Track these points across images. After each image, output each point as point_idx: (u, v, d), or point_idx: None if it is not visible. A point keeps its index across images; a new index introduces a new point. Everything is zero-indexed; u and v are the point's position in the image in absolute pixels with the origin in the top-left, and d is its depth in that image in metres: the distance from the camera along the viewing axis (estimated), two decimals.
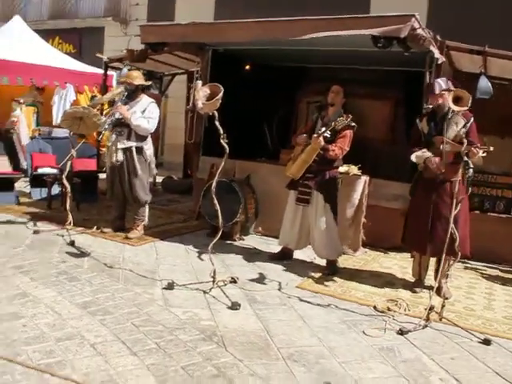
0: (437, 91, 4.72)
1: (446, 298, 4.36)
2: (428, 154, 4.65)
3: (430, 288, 4.66)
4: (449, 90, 4.65)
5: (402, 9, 5.72)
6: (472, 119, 4.66)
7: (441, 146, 4.54)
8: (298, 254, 5.73)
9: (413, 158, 4.72)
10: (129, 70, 8.28)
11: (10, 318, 3.58)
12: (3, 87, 9.68)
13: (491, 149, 4.25)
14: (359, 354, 3.47)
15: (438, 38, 5.92)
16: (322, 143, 5.02)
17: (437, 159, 4.58)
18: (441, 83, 4.77)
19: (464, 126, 4.63)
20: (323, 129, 5.07)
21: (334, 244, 5.33)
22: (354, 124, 5.13)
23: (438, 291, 4.59)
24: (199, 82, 4.59)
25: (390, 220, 6.05)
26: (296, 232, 5.48)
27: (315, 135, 5.07)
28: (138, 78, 6.02)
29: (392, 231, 6.11)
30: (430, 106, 4.87)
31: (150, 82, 7.22)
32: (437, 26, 6.77)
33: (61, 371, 2.93)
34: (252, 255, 5.78)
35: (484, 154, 4.32)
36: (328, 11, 5.92)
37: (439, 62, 5.88)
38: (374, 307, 4.36)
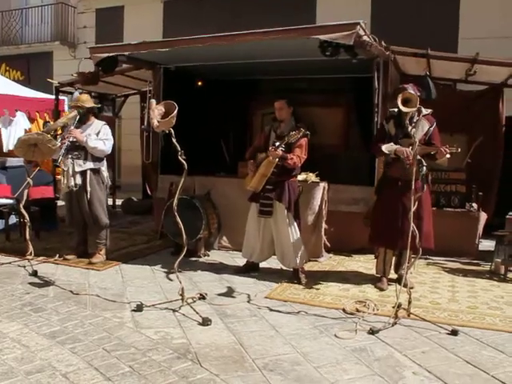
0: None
1: (411, 288, 4.52)
2: (396, 146, 4.82)
3: (396, 281, 4.80)
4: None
5: (347, 16, 5.89)
6: (435, 123, 4.89)
7: (409, 148, 4.67)
8: (263, 264, 5.76)
9: (383, 149, 4.87)
10: (80, 93, 8.20)
11: None
12: None
13: (459, 150, 4.48)
14: (333, 357, 3.51)
15: (383, 43, 6.11)
16: (280, 153, 5.09)
17: (407, 149, 4.71)
18: (408, 88, 4.92)
19: (428, 129, 4.84)
20: (277, 143, 5.14)
21: (300, 252, 5.38)
22: (307, 132, 5.22)
23: (400, 281, 4.77)
24: (153, 101, 4.58)
25: (351, 224, 6.17)
26: (259, 244, 5.52)
27: (271, 148, 5.13)
28: (88, 101, 6.00)
29: (354, 235, 6.25)
30: (396, 110, 5.01)
31: (99, 105, 7.20)
32: (381, 32, 6.99)
33: None
34: (218, 270, 5.78)
35: (448, 156, 4.52)
36: (273, 20, 6.05)
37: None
38: (344, 310, 4.43)
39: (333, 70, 7.16)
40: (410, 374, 3.28)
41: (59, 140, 5.89)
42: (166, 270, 5.65)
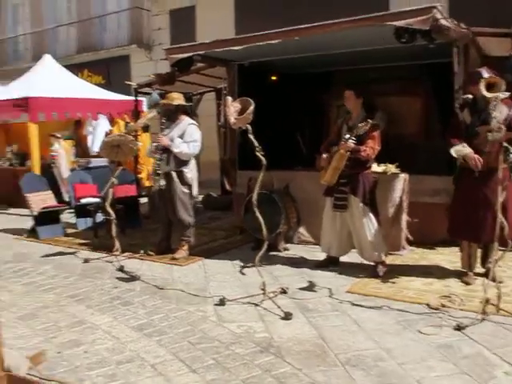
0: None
1: (501, 282, 4.32)
2: (468, 149, 4.61)
3: (483, 275, 4.60)
4: None
5: (423, 1, 5.68)
6: None
7: (488, 135, 4.46)
8: (344, 258, 5.70)
9: (452, 152, 4.67)
10: (158, 94, 8.45)
11: (71, 346, 3.69)
12: (41, 124, 10.00)
13: None
14: (418, 354, 3.43)
15: (462, 25, 5.85)
16: (351, 146, 5.02)
17: (476, 156, 4.53)
18: (482, 73, 4.70)
19: (507, 114, 4.58)
20: (347, 136, 5.06)
21: (379, 245, 5.29)
22: (375, 123, 5.10)
23: (488, 275, 4.48)
24: (229, 98, 4.63)
25: (433, 215, 5.97)
26: (336, 238, 5.47)
27: (342, 142, 5.06)
28: (177, 99, 6.07)
29: (437, 226, 6.03)
30: (470, 96, 4.80)
31: (190, 103, 7.25)
32: (460, 13, 6.71)
33: None
34: (298, 264, 5.79)
35: None
36: (344, 9, 5.93)
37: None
38: (428, 305, 4.30)
39: (409, 56, 6.95)
40: (500, 373, 3.14)
41: (152, 146, 6.07)
42: (247, 265, 5.72)
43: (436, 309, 4.22)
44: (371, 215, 5.26)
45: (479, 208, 4.66)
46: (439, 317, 4.04)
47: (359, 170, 5.23)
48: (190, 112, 9.79)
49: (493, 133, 4.38)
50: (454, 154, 4.69)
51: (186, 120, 6.13)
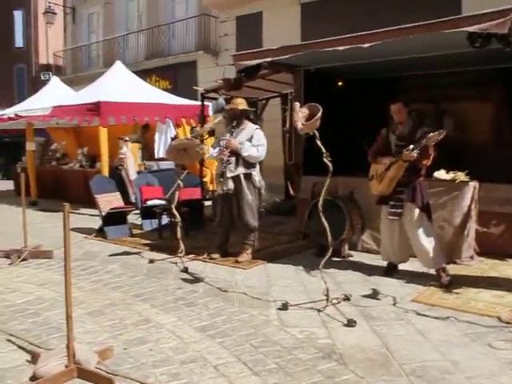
0: None
1: None
2: None
3: None
4: None
5: (497, 2, 5.48)
6: None
7: None
8: (407, 267, 5.58)
9: None
10: (224, 99, 8.56)
11: (137, 343, 3.79)
12: (110, 127, 10.36)
13: None
14: (487, 368, 3.30)
15: None
16: (415, 156, 4.94)
17: None
18: None
19: None
20: (411, 146, 4.95)
21: (436, 252, 5.19)
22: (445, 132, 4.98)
23: None
24: (297, 104, 4.64)
25: (505, 225, 5.75)
26: (396, 246, 5.42)
27: (406, 152, 4.95)
28: (241, 104, 6.17)
29: (509, 237, 5.80)
30: None
31: (253, 108, 7.32)
32: None
33: None
34: (362, 271, 5.71)
35: None
36: (415, 14, 5.79)
37: None
38: (499, 318, 4.13)
39: (482, 61, 6.72)
40: None
41: (218, 149, 6.16)
42: (310, 270, 5.69)
43: (507, 322, 4.05)
44: (428, 222, 5.19)
45: None
46: (511, 331, 3.87)
47: (415, 178, 5.21)
48: (255, 116, 9.91)
49: None
50: None
51: (250, 125, 6.20)
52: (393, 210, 5.28)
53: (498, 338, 3.76)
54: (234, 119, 6.13)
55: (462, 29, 5.05)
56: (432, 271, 5.31)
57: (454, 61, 6.79)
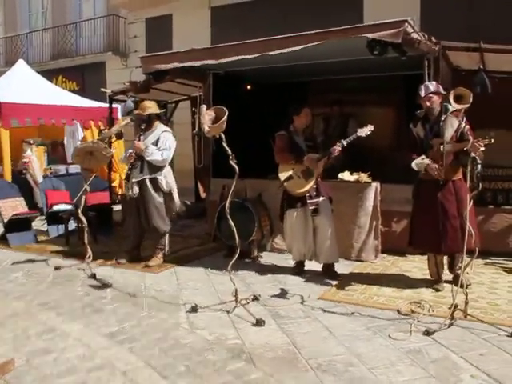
0: (422, 94, 4.87)
1: (469, 285, 4.50)
2: (427, 160, 4.77)
3: (452, 283, 4.67)
4: (438, 94, 4.79)
5: (396, 14, 5.80)
6: (464, 118, 4.74)
7: (441, 148, 4.61)
8: (313, 266, 5.73)
9: (413, 166, 4.85)
10: (133, 101, 8.42)
11: (41, 354, 3.65)
12: (13, 130, 9.87)
13: (492, 140, 4.25)
14: (387, 359, 3.48)
15: (433, 39, 5.99)
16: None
17: (437, 165, 4.70)
18: (429, 86, 4.91)
19: (458, 126, 4.70)
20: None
21: (335, 245, 5.53)
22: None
23: (456, 282, 4.54)
24: (204, 107, 4.66)
25: (404, 223, 6.07)
26: (310, 242, 5.57)
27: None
28: (149, 108, 6.05)
29: (408, 234, 6.12)
30: (422, 111, 4.97)
31: (163, 110, 7.21)
32: (431, 28, 6.86)
33: None
34: (271, 272, 5.81)
35: (483, 148, 4.34)
36: (321, 21, 6.02)
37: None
38: (398, 311, 4.37)
39: (383, 67, 7.07)
40: (467, 376, 3.21)
41: (127, 153, 6.07)
42: (219, 272, 5.71)
43: (406, 315, 4.29)
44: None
45: (438, 219, 4.80)
46: (409, 322, 4.10)
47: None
48: (165, 119, 9.81)
49: (444, 145, 4.52)
50: (415, 168, 4.83)
51: (159, 127, 6.13)
52: (312, 207, 5.44)
53: (398, 330, 3.97)
54: (144, 122, 6.05)
55: (361, 35, 5.31)
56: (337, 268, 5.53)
57: (357, 67, 7.11)
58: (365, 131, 5.21)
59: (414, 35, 5.40)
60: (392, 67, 6.88)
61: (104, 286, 5.33)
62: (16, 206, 7.85)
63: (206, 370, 3.36)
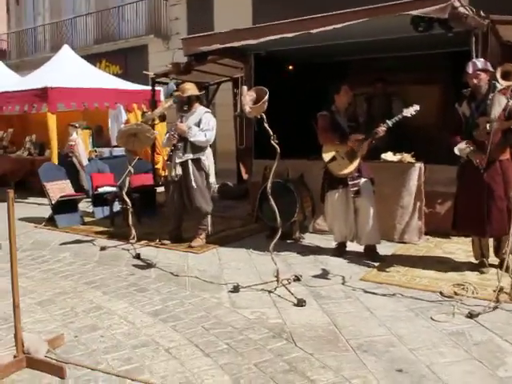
0: (470, 71, 4.68)
1: None
2: (470, 148, 4.62)
3: (498, 266, 4.55)
4: (486, 71, 4.62)
5: None
6: None
7: (487, 126, 4.45)
8: (355, 247, 5.70)
9: (456, 151, 4.71)
10: (175, 83, 8.49)
11: (88, 330, 3.77)
12: (59, 114, 10.12)
13: None
14: (429, 340, 3.45)
15: (482, 13, 5.78)
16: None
17: (480, 155, 4.57)
18: (476, 63, 4.73)
19: (506, 104, 4.51)
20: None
21: (378, 227, 5.51)
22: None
23: (505, 268, 4.45)
24: (245, 87, 4.68)
25: (449, 205, 5.95)
26: (351, 224, 5.54)
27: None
28: (189, 90, 6.08)
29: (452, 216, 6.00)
30: (468, 90, 4.80)
31: (202, 92, 7.22)
32: (480, 1, 6.62)
33: (140, 376, 3.07)
34: (313, 252, 5.82)
35: None
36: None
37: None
38: (441, 293, 4.31)
39: (427, 45, 6.89)
40: (511, 360, 3.15)
41: (169, 135, 6.13)
42: (261, 253, 5.75)
43: (449, 297, 4.23)
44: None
45: (483, 201, 4.66)
46: (452, 305, 4.04)
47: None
48: (206, 101, 9.85)
49: (491, 123, 4.36)
50: (457, 153, 4.70)
51: (200, 108, 6.17)
52: (354, 189, 5.39)
53: (440, 312, 3.92)
54: (184, 104, 6.10)
55: (405, 12, 5.17)
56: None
57: (400, 45, 6.94)
58: (410, 111, 5.11)
59: (462, 9, 5.21)
60: (437, 44, 6.70)
61: (148, 265, 5.45)
62: (63, 188, 8.07)
63: (247, 349, 3.41)
